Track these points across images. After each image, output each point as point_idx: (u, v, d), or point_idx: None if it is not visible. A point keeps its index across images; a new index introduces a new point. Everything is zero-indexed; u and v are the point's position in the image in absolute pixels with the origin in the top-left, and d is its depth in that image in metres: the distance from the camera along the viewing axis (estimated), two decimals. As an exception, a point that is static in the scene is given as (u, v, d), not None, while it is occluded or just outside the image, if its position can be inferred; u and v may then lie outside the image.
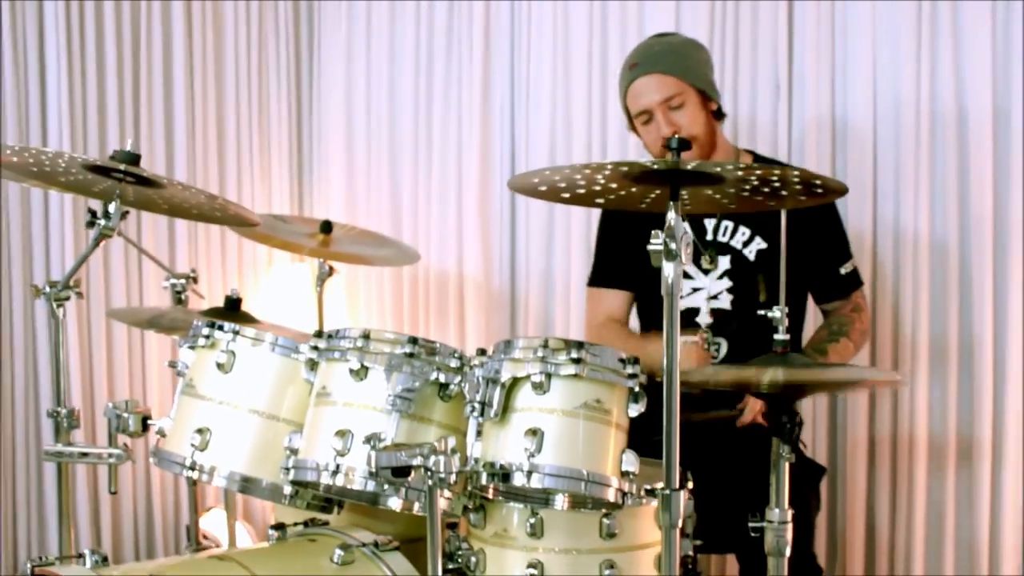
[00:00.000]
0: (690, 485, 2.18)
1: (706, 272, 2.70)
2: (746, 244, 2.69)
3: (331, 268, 3.31)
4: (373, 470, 1.75)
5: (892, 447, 3.14)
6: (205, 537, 3.26)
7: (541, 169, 1.69)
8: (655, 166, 1.63)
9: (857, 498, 3.17)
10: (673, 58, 2.66)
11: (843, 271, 2.72)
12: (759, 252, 2.67)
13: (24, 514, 3.43)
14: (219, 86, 3.82)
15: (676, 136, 1.66)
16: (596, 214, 3.03)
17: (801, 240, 2.65)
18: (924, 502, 3.08)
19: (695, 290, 2.72)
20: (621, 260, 2.77)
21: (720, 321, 2.69)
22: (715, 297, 2.70)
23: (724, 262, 2.69)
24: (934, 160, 3.09)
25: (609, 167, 1.65)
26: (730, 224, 2.69)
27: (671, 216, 1.67)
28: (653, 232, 1.66)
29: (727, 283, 2.69)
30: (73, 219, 3.37)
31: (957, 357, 3.07)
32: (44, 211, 3.40)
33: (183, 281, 2.98)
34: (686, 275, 2.71)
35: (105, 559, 1.98)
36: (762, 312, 1.95)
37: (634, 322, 2.92)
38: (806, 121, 3.22)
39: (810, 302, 2.82)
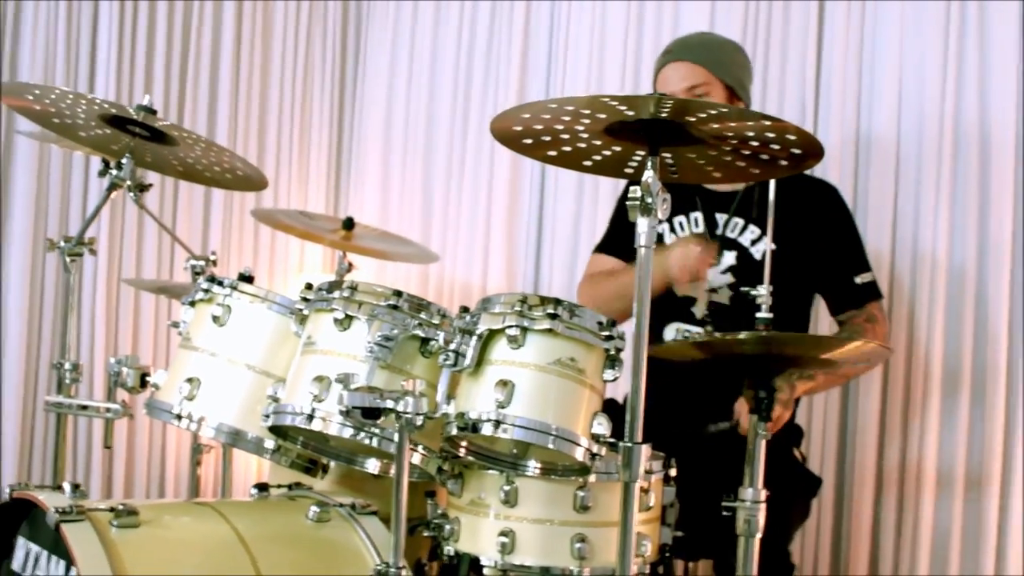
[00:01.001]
0: (673, 472, 2.17)
1: (711, 265, 2.69)
2: (754, 243, 2.67)
3: (350, 264, 3.35)
4: (344, 409, 1.76)
5: (900, 472, 3.08)
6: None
7: (518, 107, 1.71)
8: (628, 103, 1.64)
9: (863, 522, 3.11)
10: (705, 50, 2.69)
11: (859, 281, 2.68)
12: (766, 253, 2.64)
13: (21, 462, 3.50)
14: (264, 85, 3.92)
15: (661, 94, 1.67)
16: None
17: (814, 246, 2.65)
18: (930, 530, 3.01)
19: (695, 279, 2.70)
20: (632, 236, 2.77)
21: (716, 315, 2.67)
22: (715, 291, 2.69)
23: (729, 257, 2.68)
24: (955, 181, 3.07)
25: (586, 104, 1.66)
26: (740, 221, 2.68)
27: (648, 173, 1.68)
28: (631, 187, 1.67)
29: (729, 278, 2.68)
30: (91, 178, 3.47)
31: (969, 384, 3.02)
32: (63, 168, 3.49)
33: (202, 263, 3.03)
34: None
35: (84, 493, 2.00)
36: (745, 289, 1.93)
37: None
38: (831, 136, 3.22)
39: (822, 313, 2.79)
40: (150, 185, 2.57)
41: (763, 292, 1.94)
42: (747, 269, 2.65)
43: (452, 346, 1.84)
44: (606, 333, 1.85)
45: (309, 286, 2.05)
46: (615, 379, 1.86)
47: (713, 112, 1.61)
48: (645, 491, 2.07)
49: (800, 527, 2.69)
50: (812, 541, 3.18)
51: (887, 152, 3.15)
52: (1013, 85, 2.98)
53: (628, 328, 1.71)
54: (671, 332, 2.67)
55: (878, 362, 2.87)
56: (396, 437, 1.75)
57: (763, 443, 1.92)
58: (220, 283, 2.18)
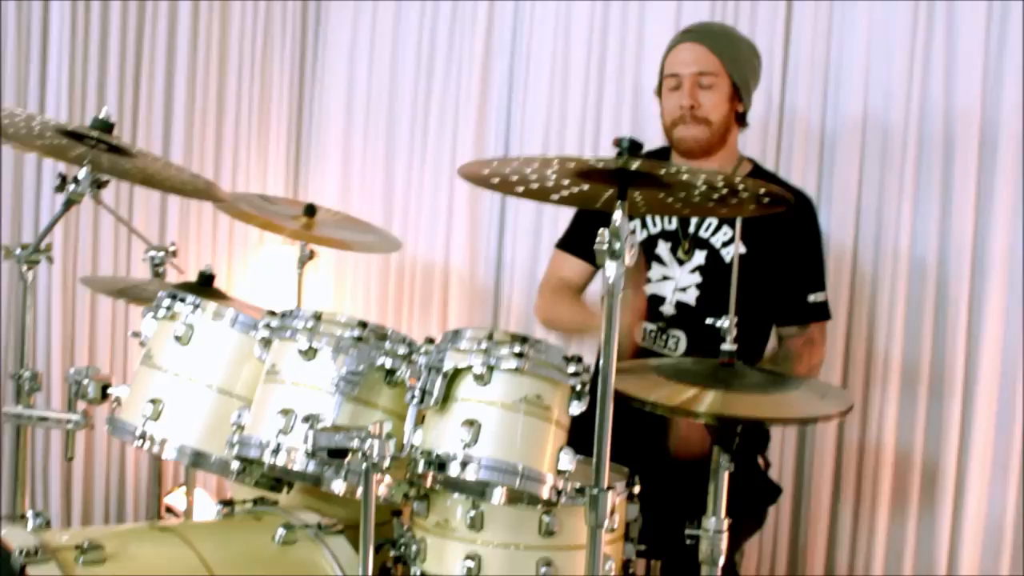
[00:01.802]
0: (637, 488, 2.20)
1: (680, 263, 2.71)
2: (725, 244, 2.69)
3: (312, 252, 3.33)
4: (310, 450, 1.76)
5: (858, 464, 3.14)
6: (169, 510, 3.28)
7: (490, 159, 1.70)
8: (599, 164, 1.64)
9: (820, 516, 3.17)
10: (725, 41, 2.70)
11: (811, 299, 2.71)
12: (737, 256, 2.65)
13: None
14: (222, 66, 3.85)
15: (627, 138, 1.66)
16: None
17: (779, 255, 2.66)
18: (886, 524, 3.08)
19: (665, 278, 2.73)
20: (594, 233, 2.78)
21: (683, 315, 2.69)
22: (683, 290, 2.70)
23: (699, 257, 2.70)
24: (919, 174, 3.09)
25: (556, 163, 1.66)
26: (714, 221, 2.70)
27: (617, 215, 1.68)
28: (599, 231, 1.66)
29: (698, 278, 2.69)
30: (48, 185, 3.40)
31: (928, 379, 3.07)
32: (15, 170, 3.42)
33: (162, 254, 2.99)
34: (659, 260, 2.72)
35: (48, 522, 2.00)
36: (710, 321, 1.94)
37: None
38: (796, 129, 3.22)
39: None
40: (107, 181, 2.52)
41: (726, 323, 1.95)
42: (715, 271, 2.66)
43: (419, 383, 1.84)
44: (572, 369, 1.85)
45: (273, 312, 2.04)
46: (581, 412, 1.87)
47: (682, 172, 1.61)
48: (610, 512, 2.09)
49: (752, 536, 2.74)
50: (770, 542, 3.24)
51: (851, 146, 3.17)
52: (978, 80, 2.99)
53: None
54: (639, 331, 2.68)
55: None
56: (361, 479, 1.76)
57: (725, 474, 1.94)
58: (182, 300, 2.16)
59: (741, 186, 1.63)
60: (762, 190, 1.64)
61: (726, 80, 2.67)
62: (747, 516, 2.52)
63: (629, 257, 1.67)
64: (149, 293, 2.80)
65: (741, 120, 2.75)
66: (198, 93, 3.78)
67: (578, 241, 2.86)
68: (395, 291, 3.86)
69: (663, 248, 2.73)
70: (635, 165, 1.60)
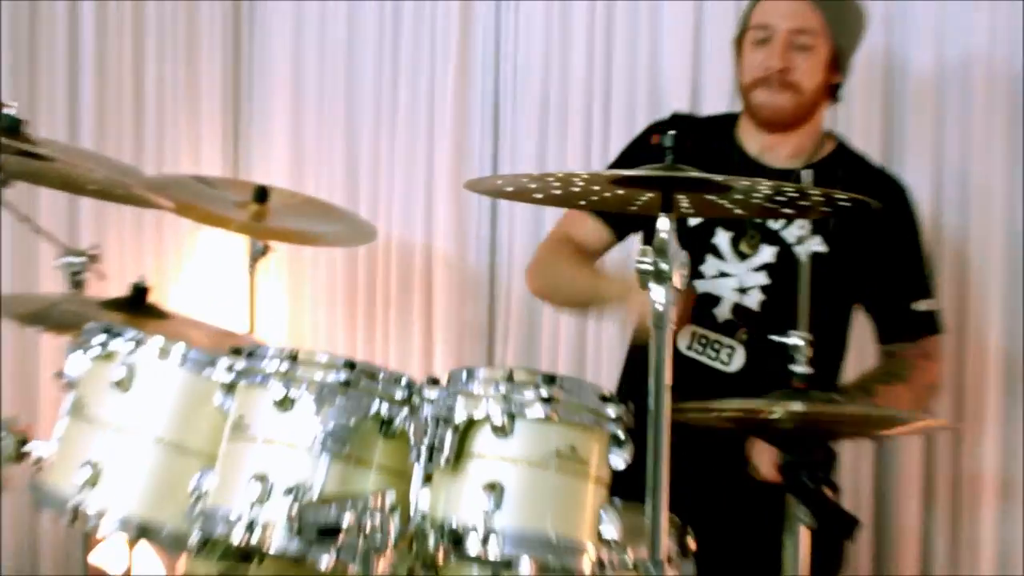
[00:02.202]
0: (692, 545, 2.23)
1: (743, 257, 2.72)
2: (801, 240, 2.68)
3: (266, 247, 3.34)
4: (296, 529, 1.78)
5: (952, 491, 3.20)
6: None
7: (505, 176, 1.72)
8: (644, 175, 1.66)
9: (909, 547, 3.21)
10: (833, 2, 2.71)
11: (917, 308, 2.73)
12: (814, 255, 2.64)
13: None
14: (136, 24, 3.83)
15: (671, 134, 1.67)
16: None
17: (871, 256, 2.68)
18: (993, 551, 3.13)
19: (722, 275, 2.73)
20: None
21: (742, 322, 2.71)
22: (744, 291, 2.71)
23: (767, 253, 2.70)
24: (1012, 132, 3.13)
25: (583, 177, 1.68)
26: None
27: (663, 228, 1.69)
28: (640, 249, 1.68)
29: (764, 279, 2.70)
30: None
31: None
32: None
33: (82, 260, 2.96)
34: (716, 253, 2.73)
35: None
36: (776, 337, 1.97)
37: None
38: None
39: (861, 338, 2.84)
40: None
41: (800, 341, 1.98)
42: (787, 271, 2.66)
43: (426, 440, 1.86)
44: (612, 411, 1.87)
45: (236, 351, 2.05)
46: (625, 464, 1.90)
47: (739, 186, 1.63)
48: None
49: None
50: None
51: (924, 99, 3.22)
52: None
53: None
54: (685, 337, 2.69)
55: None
56: (358, 560, 1.78)
57: (803, 529, 1.97)
58: (118, 334, 2.16)
59: (816, 195, 1.65)
60: (840, 197, 1.66)
61: (827, 43, 2.68)
62: (822, 557, 2.55)
63: (678, 280, 1.68)
64: (69, 316, 2.80)
65: (834, 94, 2.77)
66: (110, 61, 3.77)
67: None
68: (367, 287, 3.87)
69: (722, 238, 2.72)
70: (688, 174, 1.61)
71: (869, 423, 2.06)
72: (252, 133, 4.06)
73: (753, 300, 2.70)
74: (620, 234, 2.86)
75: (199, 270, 3.91)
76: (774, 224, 2.71)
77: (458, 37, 3.73)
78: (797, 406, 1.90)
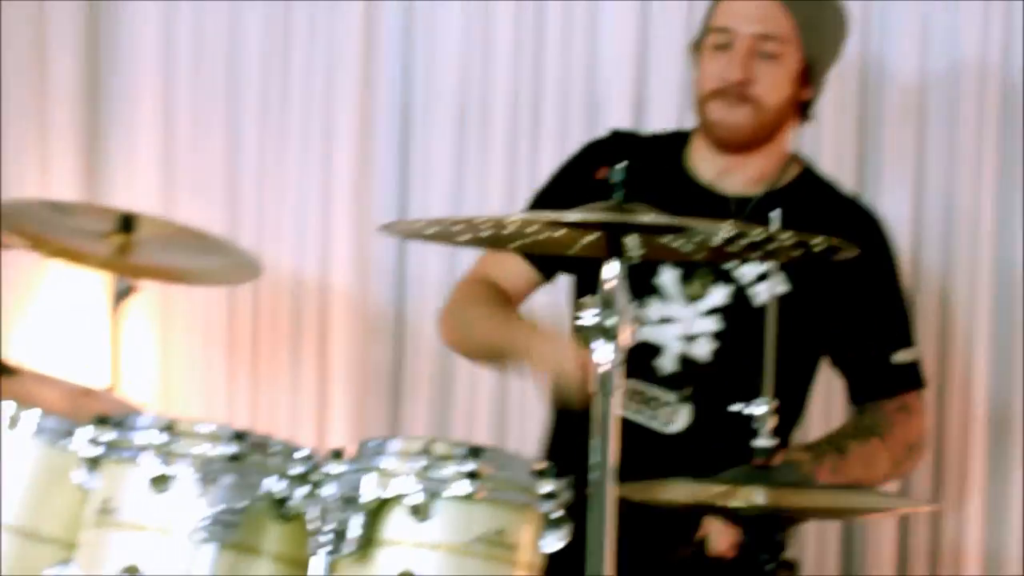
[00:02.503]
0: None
1: (691, 299, 2.74)
2: (759, 280, 2.72)
3: (130, 287, 3.31)
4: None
5: (930, 563, 3.24)
6: None
7: (427, 221, 1.74)
8: (584, 218, 1.68)
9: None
10: (808, 4, 2.74)
11: (896, 360, 2.76)
12: (775, 298, 2.69)
13: None
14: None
15: (621, 167, 1.70)
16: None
17: (841, 300, 2.72)
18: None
19: (665, 320, 2.75)
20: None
21: (689, 376, 2.73)
22: (692, 339, 2.73)
23: (719, 295, 2.73)
24: (1004, 145, 3.21)
25: (513, 222, 1.70)
26: None
27: (609, 276, 1.72)
28: (583, 300, 1.70)
29: (715, 324, 2.73)
30: None
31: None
32: None
33: None
34: (658, 293, 2.74)
35: None
36: (737, 408, 2.00)
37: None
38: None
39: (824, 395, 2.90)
40: None
41: (763, 409, 2.01)
42: (741, 316, 2.71)
43: (329, 524, 1.86)
44: (545, 488, 1.90)
45: (103, 420, 2.04)
46: (559, 547, 1.92)
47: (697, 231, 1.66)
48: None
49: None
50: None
51: (904, 112, 3.29)
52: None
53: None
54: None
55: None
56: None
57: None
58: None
59: (786, 239, 1.69)
60: (815, 242, 1.70)
61: (797, 52, 2.71)
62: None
63: (627, 337, 1.71)
64: None
65: (803, 110, 2.81)
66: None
67: None
68: (251, 329, 3.85)
69: (668, 277, 2.74)
70: (640, 219, 1.64)
71: (841, 512, 2.10)
72: (112, 149, 4.01)
73: (702, 350, 2.73)
74: (548, 274, 2.89)
75: (49, 314, 3.86)
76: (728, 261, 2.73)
77: (360, 38, 3.73)
78: (759, 495, 1.92)
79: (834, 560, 3.34)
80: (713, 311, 2.73)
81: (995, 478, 3.21)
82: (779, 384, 2.14)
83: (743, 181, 2.78)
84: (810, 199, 2.76)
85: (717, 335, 2.72)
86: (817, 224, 2.53)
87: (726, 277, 2.73)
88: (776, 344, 2.13)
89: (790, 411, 2.69)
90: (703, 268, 2.71)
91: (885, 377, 2.77)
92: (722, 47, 2.71)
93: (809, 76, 2.75)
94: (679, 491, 2.01)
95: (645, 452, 2.55)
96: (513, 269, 2.86)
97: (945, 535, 3.24)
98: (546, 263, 2.84)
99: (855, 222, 2.78)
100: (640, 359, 2.68)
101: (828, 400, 3.10)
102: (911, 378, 2.78)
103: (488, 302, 2.83)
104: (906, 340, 2.79)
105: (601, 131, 3.11)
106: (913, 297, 3.18)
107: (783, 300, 2.63)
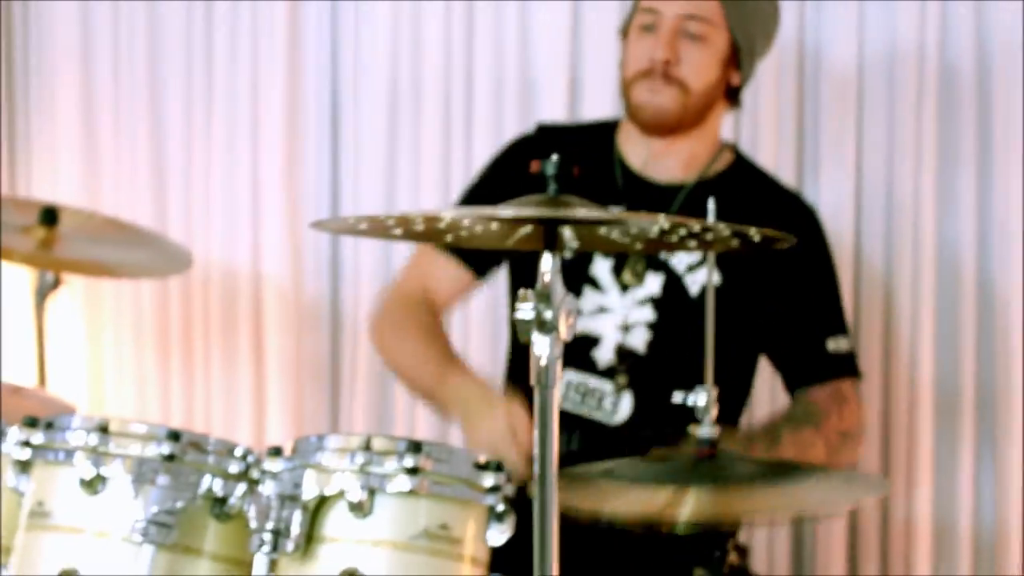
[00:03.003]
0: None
1: (625, 289, 2.78)
2: (692, 269, 2.76)
3: (57, 279, 3.32)
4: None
5: (881, 539, 3.31)
6: None
7: (359, 217, 1.75)
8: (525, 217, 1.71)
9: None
10: None
11: (831, 347, 2.78)
12: (713, 287, 2.72)
13: None
14: None
15: (554, 159, 1.72)
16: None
17: (774, 289, 2.76)
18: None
19: (602, 310, 2.78)
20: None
21: (628, 366, 2.77)
22: (627, 329, 2.76)
23: (653, 284, 2.76)
24: (942, 132, 3.26)
25: (447, 218, 1.72)
26: None
27: (546, 268, 1.74)
28: (520, 292, 1.72)
29: (650, 314, 2.76)
30: None
31: (973, 411, 3.24)
32: None
33: None
34: (594, 284, 2.78)
35: None
36: (679, 399, 2.03)
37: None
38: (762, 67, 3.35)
39: (766, 383, 2.95)
40: None
41: (702, 398, 2.04)
42: (675, 305, 2.75)
43: (270, 523, 1.89)
44: (488, 481, 1.93)
45: (32, 422, 2.05)
46: (505, 540, 1.95)
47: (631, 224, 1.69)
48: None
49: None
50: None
51: (844, 88, 3.33)
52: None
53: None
54: (562, 385, 2.74)
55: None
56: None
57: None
58: None
59: (723, 230, 1.72)
60: (753, 232, 1.73)
61: (723, 34, 2.73)
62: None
63: (566, 330, 1.73)
64: None
65: (733, 96, 2.83)
66: None
67: None
68: (181, 320, 3.85)
69: (601, 267, 2.78)
70: (577, 213, 1.67)
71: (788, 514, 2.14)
72: (33, 140, 4.00)
73: (638, 339, 2.76)
74: (481, 272, 2.91)
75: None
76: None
77: (286, 25, 3.73)
78: (702, 504, 1.95)
79: (784, 538, 3.40)
80: (647, 300, 2.76)
81: (943, 457, 3.26)
82: (719, 372, 2.17)
83: (673, 167, 2.82)
84: (742, 187, 2.81)
85: (652, 325, 2.76)
86: (749, 212, 2.58)
87: (659, 265, 2.76)
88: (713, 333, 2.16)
89: (732, 399, 2.75)
90: (636, 256, 2.74)
91: (818, 363, 2.79)
92: (648, 28, 2.74)
93: (737, 60, 2.77)
94: (621, 509, 2.03)
95: (590, 443, 2.60)
96: (446, 273, 2.89)
97: (895, 513, 3.29)
98: (478, 261, 2.87)
99: (787, 210, 2.83)
100: (578, 351, 2.73)
101: (774, 390, 3.14)
102: (845, 366, 2.81)
103: (421, 331, 2.81)
104: (840, 328, 2.82)
105: (535, 121, 3.15)
106: (852, 285, 3.25)
107: (717, 290, 2.69)
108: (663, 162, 2.82)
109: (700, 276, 2.72)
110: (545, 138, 2.92)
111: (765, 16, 2.83)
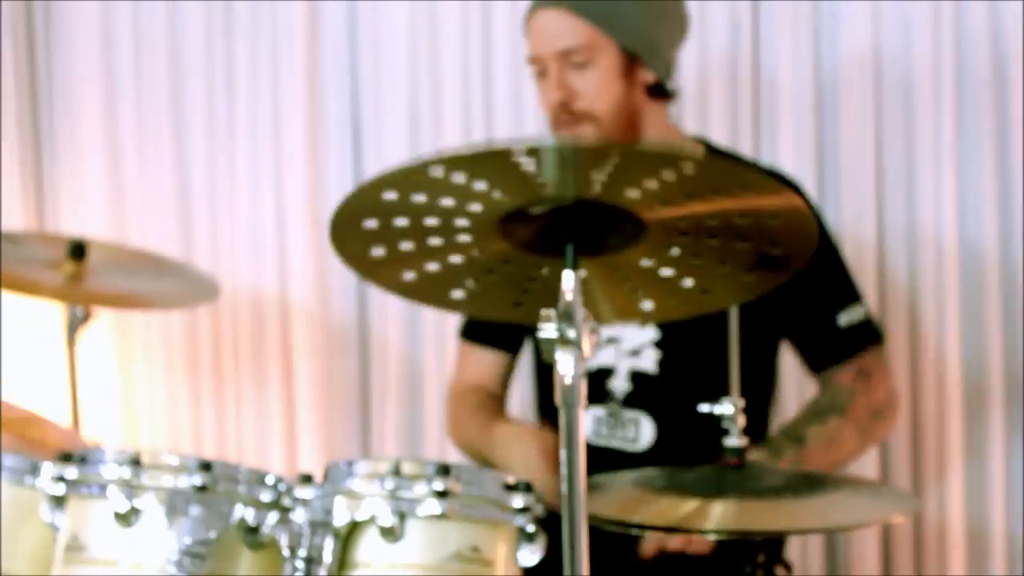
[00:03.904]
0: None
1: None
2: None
3: (87, 312, 3.34)
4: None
5: (914, 540, 3.31)
6: None
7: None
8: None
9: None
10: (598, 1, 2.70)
11: (843, 321, 2.77)
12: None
13: None
14: None
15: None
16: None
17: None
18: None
19: (610, 340, 2.79)
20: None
21: (642, 390, 2.78)
22: (636, 354, 2.77)
23: (649, 302, 2.76)
24: (962, 127, 3.27)
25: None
26: None
27: (567, 287, 1.76)
28: (543, 313, 1.74)
29: (653, 333, 2.78)
30: None
31: (1002, 405, 3.26)
32: None
33: None
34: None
35: None
36: (705, 408, 2.04)
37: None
38: (780, 67, 3.36)
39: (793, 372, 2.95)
40: None
41: (729, 409, 2.05)
42: (678, 320, 2.73)
43: (302, 550, 1.90)
44: (518, 502, 1.94)
45: (67, 457, 2.08)
46: (536, 560, 1.97)
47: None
48: None
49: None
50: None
51: (861, 94, 3.34)
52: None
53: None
54: (589, 420, 2.75)
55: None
56: None
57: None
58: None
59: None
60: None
61: (609, 48, 2.69)
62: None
63: (589, 346, 1.75)
64: None
65: (658, 92, 2.79)
66: None
67: (483, 325, 2.96)
68: (212, 351, 3.88)
69: None
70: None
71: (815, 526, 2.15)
72: (58, 176, 4.03)
73: (648, 361, 2.78)
74: (514, 349, 2.99)
75: (2, 347, 3.87)
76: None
77: (305, 42, 3.75)
78: (730, 513, 1.96)
79: (817, 541, 3.41)
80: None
81: (974, 455, 3.27)
82: (741, 379, 2.18)
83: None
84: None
85: (658, 343, 2.77)
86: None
87: None
88: (718, 341, 2.16)
89: (757, 399, 2.75)
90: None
91: (835, 343, 2.79)
92: (540, 75, 2.75)
93: (638, 60, 2.73)
94: (649, 517, 2.04)
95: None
96: (484, 360, 2.98)
97: (927, 515, 3.30)
98: (507, 341, 2.95)
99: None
100: (595, 384, 2.74)
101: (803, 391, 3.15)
102: (864, 336, 2.80)
103: (471, 412, 2.93)
104: (850, 298, 2.80)
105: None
106: (876, 289, 3.27)
107: None
108: None
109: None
110: None
111: (654, 10, 2.76)
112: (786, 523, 2.05)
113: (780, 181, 2.82)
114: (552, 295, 1.79)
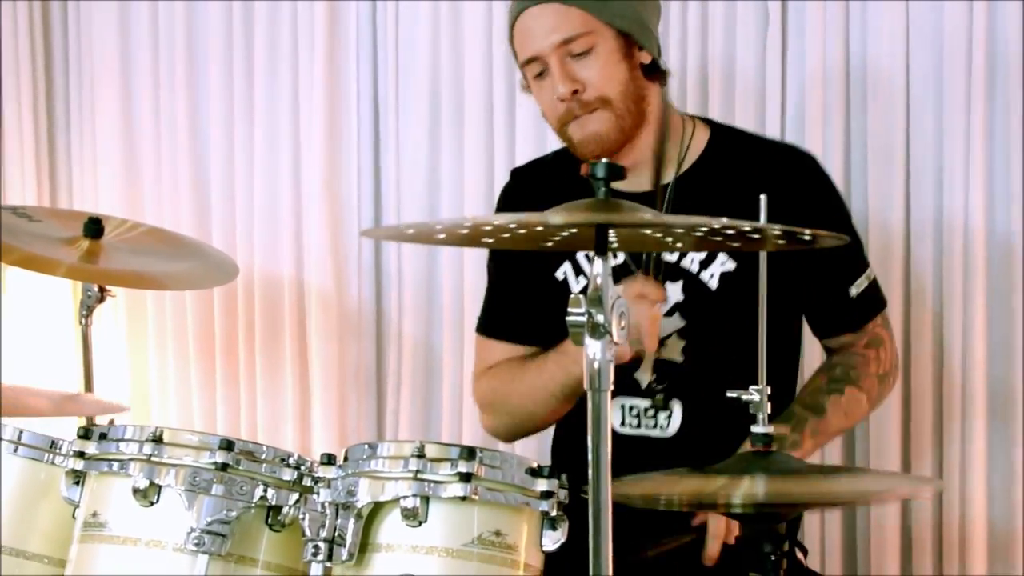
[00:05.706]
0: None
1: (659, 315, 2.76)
2: (704, 266, 2.77)
3: (103, 291, 3.34)
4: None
5: (935, 538, 3.31)
6: None
7: (413, 224, 1.78)
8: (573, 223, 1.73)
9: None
10: None
11: (855, 291, 2.79)
12: (724, 276, 2.75)
13: None
14: None
15: (604, 161, 1.74)
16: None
17: (787, 253, 2.75)
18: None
19: None
20: (518, 304, 2.88)
21: (670, 378, 2.78)
22: (661, 343, 2.77)
23: (674, 292, 2.76)
24: (992, 119, 3.27)
25: (493, 224, 1.75)
26: None
27: (597, 271, 1.76)
28: (572, 298, 1.74)
29: (677, 321, 2.77)
30: None
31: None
32: None
33: None
34: None
35: None
36: (733, 394, 2.05)
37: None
38: (809, 62, 3.36)
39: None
40: None
41: (755, 395, 2.05)
42: (701, 306, 2.75)
43: (323, 532, 1.91)
44: (542, 487, 1.95)
45: (86, 433, 2.09)
46: (558, 545, 1.98)
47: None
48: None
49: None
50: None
51: (892, 87, 3.33)
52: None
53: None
54: (616, 412, 2.76)
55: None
56: None
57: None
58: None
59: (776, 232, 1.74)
60: (807, 235, 1.75)
61: (606, 32, 2.68)
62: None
63: (618, 333, 1.75)
64: None
65: (654, 72, 2.78)
66: None
67: (500, 320, 2.95)
68: (225, 332, 3.89)
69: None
70: (622, 217, 1.69)
71: (845, 499, 2.15)
72: (73, 149, 4.04)
73: (674, 350, 2.78)
74: (530, 343, 2.92)
75: (16, 324, 3.88)
76: (670, 255, 2.77)
77: (325, 24, 3.75)
78: (759, 487, 1.97)
79: (837, 537, 3.41)
80: (672, 309, 2.76)
81: (997, 453, 3.27)
82: (754, 355, 2.18)
83: (643, 170, 2.80)
84: (730, 160, 2.81)
85: (682, 332, 2.77)
86: (753, 175, 2.67)
87: (675, 272, 2.77)
88: (734, 319, 2.16)
89: (783, 384, 2.77)
90: (652, 269, 2.74)
91: (847, 312, 2.81)
92: (540, 75, 2.73)
93: (633, 41, 2.72)
94: (676, 488, 2.05)
95: (650, 461, 2.62)
96: (502, 354, 2.93)
97: (949, 512, 3.29)
98: (523, 334, 2.90)
99: (784, 165, 2.80)
100: (622, 375, 2.73)
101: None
102: (872, 304, 2.83)
103: (516, 366, 2.86)
104: (859, 268, 2.82)
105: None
106: (903, 284, 3.28)
107: (734, 277, 2.72)
108: (631, 170, 2.77)
109: (713, 268, 2.74)
110: (521, 179, 3.01)
111: None
112: (816, 495, 2.05)
113: (793, 154, 2.88)
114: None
